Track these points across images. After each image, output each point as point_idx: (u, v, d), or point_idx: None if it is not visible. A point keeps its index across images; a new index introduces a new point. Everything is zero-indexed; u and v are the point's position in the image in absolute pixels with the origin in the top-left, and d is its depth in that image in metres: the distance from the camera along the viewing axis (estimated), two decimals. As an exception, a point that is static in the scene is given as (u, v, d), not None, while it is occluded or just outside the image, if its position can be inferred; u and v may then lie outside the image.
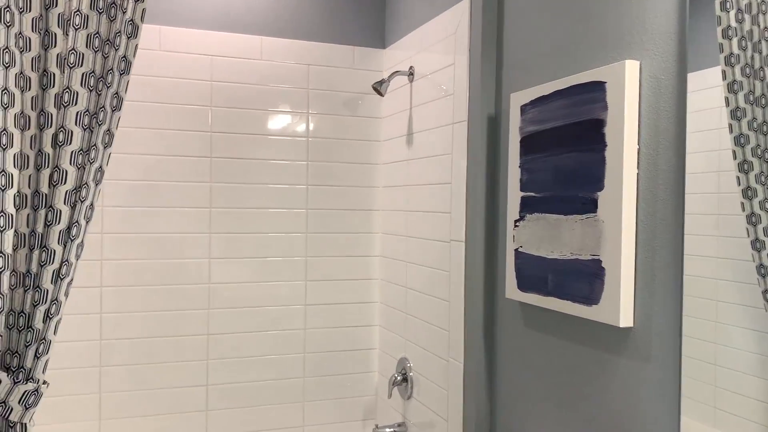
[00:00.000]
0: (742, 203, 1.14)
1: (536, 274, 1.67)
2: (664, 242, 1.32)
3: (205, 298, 2.46)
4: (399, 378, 2.42)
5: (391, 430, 2.43)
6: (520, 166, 1.75)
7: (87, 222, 1.71)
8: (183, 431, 2.44)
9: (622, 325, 1.38)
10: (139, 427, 2.38)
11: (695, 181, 1.24)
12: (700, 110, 1.23)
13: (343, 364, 2.67)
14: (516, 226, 1.77)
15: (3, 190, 1.61)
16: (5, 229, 1.62)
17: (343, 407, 2.67)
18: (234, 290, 2.51)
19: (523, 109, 1.74)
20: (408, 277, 2.43)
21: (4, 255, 1.62)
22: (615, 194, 1.40)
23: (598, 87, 1.46)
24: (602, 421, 1.49)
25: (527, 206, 1.72)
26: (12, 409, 1.62)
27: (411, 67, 2.41)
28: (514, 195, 1.78)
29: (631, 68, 1.38)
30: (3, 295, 1.63)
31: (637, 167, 1.39)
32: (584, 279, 1.49)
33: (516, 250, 1.77)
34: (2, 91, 1.60)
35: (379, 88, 2.40)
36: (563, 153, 1.58)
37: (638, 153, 1.39)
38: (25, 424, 1.64)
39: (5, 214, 1.62)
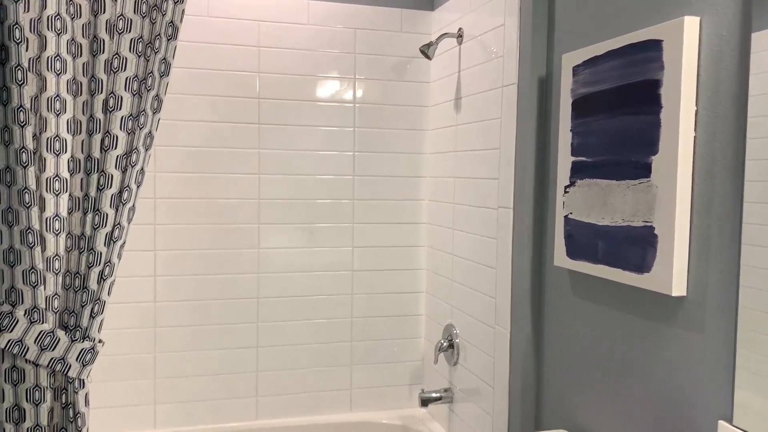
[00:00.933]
0: (808, 167, 1.07)
1: (586, 241, 1.63)
2: (721, 209, 1.26)
3: (254, 263, 2.50)
4: (445, 344, 2.42)
5: (437, 395, 2.44)
6: (571, 130, 1.70)
7: (138, 186, 1.74)
8: (234, 391, 2.51)
9: (674, 293, 1.34)
10: (191, 387, 2.46)
11: (758, 146, 1.17)
12: (764, 72, 1.16)
13: (390, 330, 2.69)
14: (566, 192, 1.72)
15: (57, 155, 1.66)
16: (60, 192, 1.67)
17: (390, 372, 2.70)
18: (282, 256, 2.54)
19: (575, 70, 1.67)
20: (455, 245, 2.41)
21: (60, 218, 1.67)
22: (670, 158, 1.34)
23: (654, 46, 1.39)
24: (652, 392, 1.45)
25: (578, 171, 1.67)
26: (70, 366, 1.69)
27: (460, 29, 2.35)
28: (564, 160, 1.72)
29: (691, 25, 1.31)
30: (60, 257, 1.68)
31: (695, 130, 1.32)
32: (636, 246, 1.44)
33: (565, 216, 1.72)
34: (55, 57, 1.63)
35: (426, 51, 2.35)
36: (616, 116, 1.52)
37: (696, 115, 1.32)
38: (83, 380, 1.71)
39: (60, 178, 1.67)
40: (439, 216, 2.55)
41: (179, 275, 2.42)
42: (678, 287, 1.34)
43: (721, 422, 1.23)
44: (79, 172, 1.71)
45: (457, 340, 2.38)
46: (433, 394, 2.44)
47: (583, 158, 1.64)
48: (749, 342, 1.19)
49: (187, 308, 2.44)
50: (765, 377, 1.16)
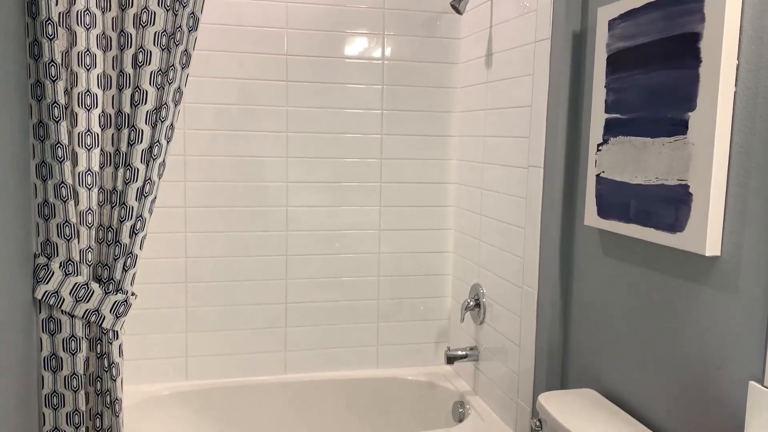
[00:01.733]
0: None
1: (618, 200, 1.60)
2: (760, 167, 1.22)
3: (283, 221, 2.52)
4: (472, 303, 2.42)
5: (463, 353, 2.45)
6: (605, 86, 1.65)
7: (168, 142, 1.75)
8: (263, 346, 2.56)
9: (708, 253, 1.31)
10: (222, 340, 2.51)
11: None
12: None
13: (417, 289, 2.70)
14: (599, 150, 1.68)
15: (89, 110, 1.67)
16: (92, 147, 1.69)
17: (416, 329, 2.72)
18: (310, 214, 2.55)
19: (611, 24, 1.62)
20: (483, 204, 2.39)
21: (92, 173, 1.70)
22: (708, 114, 1.30)
23: (695, -4, 1.33)
24: (681, 353, 1.44)
25: (611, 129, 1.63)
26: (104, 318, 1.73)
27: (492, -16, 2.29)
28: (597, 117, 1.68)
29: (735, -26, 1.25)
30: (92, 211, 1.71)
31: (735, 85, 1.28)
32: (669, 205, 1.41)
33: (597, 175, 1.69)
34: (84, 11, 1.63)
35: (457, 5, 2.30)
36: (653, 71, 1.47)
37: (737, 69, 1.27)
38: (116, 331, 1.75)
39: (92, 133, 1.68)
40: (468, 176, 2.53)
41: (209, 231, 2.45)
42: (712, 247, 1.31)
43: (752, 383, 1.22)
44: (110, 127, 1.72)
45: (484, 300, 2.38)
46: (459, 352, 2.46)
47: (618, 115, 1.61)
48: (784, 303, 1.16)
49: (218, 264, 2.47)
50: (799, 338, 1.14)
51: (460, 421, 2.38)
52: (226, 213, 2.46)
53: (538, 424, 1.73)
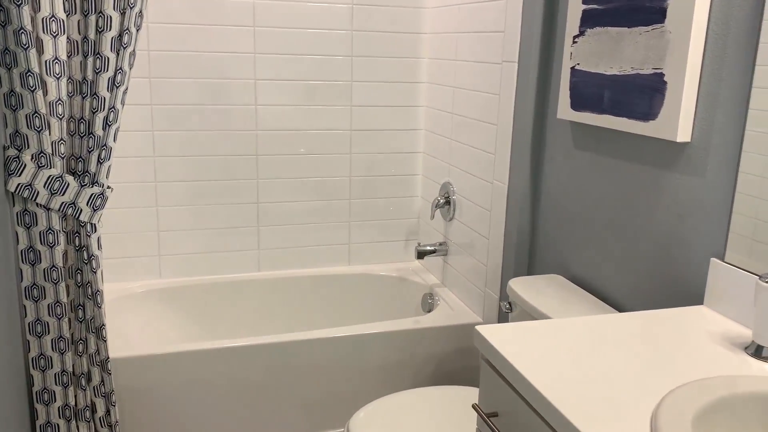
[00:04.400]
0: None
1: (592, 91, 1.64)
2: (735, 54, 1.26)
3: (252, 120, 2.49)
4: (442, 201, 2.48)
5: (432, 248, 2.53)
6: (583, -23, 1.65)
7: (137, 30, 1.69)
8: (236, 244, 2.59)
9: (679, 139, 1.37)
10: (194, 240, 2.52)
11: (779, -17, 1.15)
12: None
13: (387, 189, 2.73)
14: (574, 42, 1.70)
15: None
16: (58, 35, 1.62)
17: (387, 228, 2.78)
18: (279, 113, 2.52)
19: None
20: (455, 103, 2.40)
21: (60, 61, 1.64)
22: (686, 1, 1.32)
23: None
24: (649, 236, 1.53)
25: (589, 20, 1.64)
26: (81, 210, 1.72)
27: None
28: (575, 8, 1.69)
29: None
30: (63, 102, 1.66)
31: (715, -29, 1.29)
32: (644, 94, 1.45)
33: (572, 68, 1.71)
34: None
35: None
36: (633, -41, 1.47)
37: (718, -45, 1.29)
38: (94, 224, 1.75)
39: (57, 19, 1.61)
40: (440, 74, 2.52)
41: (178, 130, 2.41)
42: (683, 133, 1.37)
43: (713, 259, 1.31)
44: (75, 13, 1.65)
45: (454, 197, 2.44)
46: (429, 247, 2.54)
47: (595, 6, 1.61)
48: (748, 185, 1.23)
49: (187, 163, 2.45)
50: (759, 219, 1.22)
51: (430, 311, 2.48)
52: (194, 111, 2.41)
53: (508, 306, 1.82)
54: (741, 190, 1.25)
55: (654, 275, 1.51)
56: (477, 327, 1.18)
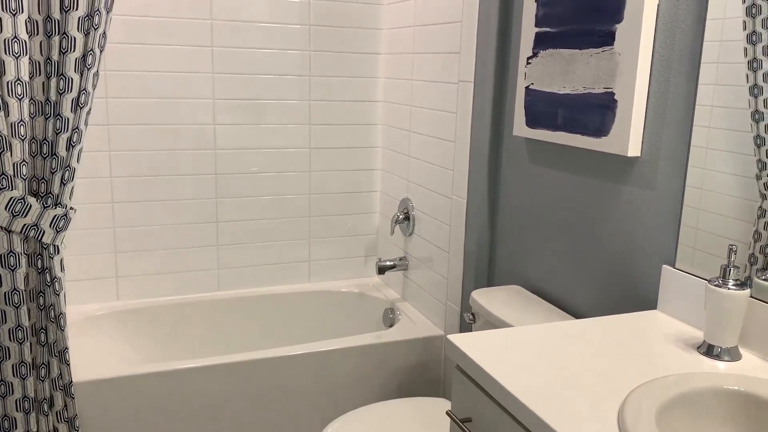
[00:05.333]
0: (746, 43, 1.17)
1: (546, 109, 1.72)
2: (679, 74, 1.36)
3: (211, 140, 2.49)
4: (401, 216, 2.54)
5: (393, 263, 2.58)
6: (535, 1, 1.74)
7: (101, 51, 1.70)
8: (195, 264, 2.57)
9: (630, 154, 1.46)
10: (152, 260, 2.50)
11: (719, 4, 1.25)
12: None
13: (346, 206, 2.77)
14: (528, 63, 1.79)
15: (14, 15, 1.59)
16: (20, 55, 1.61)
17: (347, 245, 2.81)
18: (238, 132, 2.53)
19: (543, -60, 1.69)
20: (412, 121, 2.47)
21: (22, 82, 1.63)
22: (634, 26, 1.42)
23: None
24: (603, 246, 1.61)
25: (541, 42, 1.73)
26: (44, 232, 1.70)
27: None
28: (528, 31, 1.78)
29: None
30: (25, 123, 1.65)
31: (659, -2, 1.40)
32: (595, 112, 1.54)
33: (527, 87, 1.80)
34: None
35: None
36: (583, -15, 1.57)
37: (661, -17, 1.39)
38: (57, 246, 1.73)
39: (19, 40, 1.60)
40: (397, 93, 2.59)
41: (135, 150, 2.40)
42: (633, 148, 1.46)
43: (665, 266, 1.40)
44: (38, 34, 1.64)
45: (413, 212, 2.50)
46: (389, 263, 2.58)
47: (547, 29, 1.70)
48: (694, 198, 1.33)
49: (145, 183, 2.44)
50: (702, 229, 1.31)
51: (391, 326, 2.52)
52: (150, 130, 2.41)
53: (471, 317, 1.88)
54: (688, 202, 1.35)
55: (609, 283, 1.59)
56: (449, 336, 1.23)
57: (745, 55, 1.20)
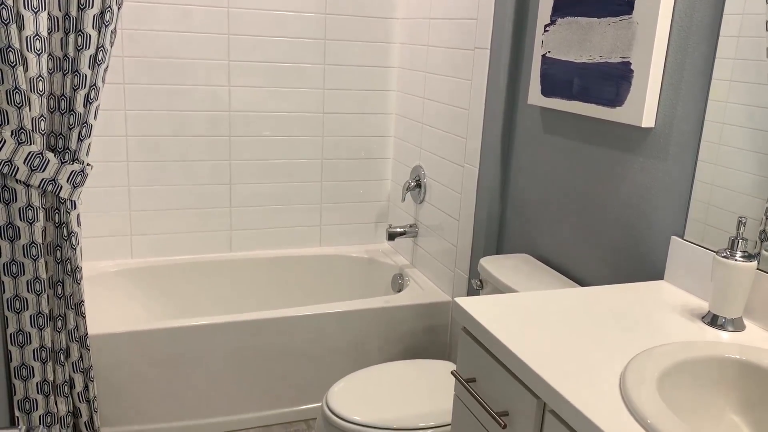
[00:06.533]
0: (784, 2, 1.16)
1: (562, 78, 1.72)
2: (698, 45, 1.35)
3: (226, 102, 2.50)
4: (413, 184, 2.55)
5: (403, 229, 2.60)
6: (555, -32, 1.72)
7: (119, 8, 1.70)
8: (208, 225, 2.61)
9: (644, 125, 1.46)
10: (166, 220, 2.53)
11: (739, -20, 1.24)
12: None
13: (358, 172, 2.79)
14: (546, 30, 1.78)
15: (34, -30, 1.59)
16: (39, 10, 1.62)
17: (358, 210, 2.83)
18: (251, 95, 2.54)
19: None
20: (426, 88, 2.46)
21: (41, 38, 1.64)
22: (654, -5, 1.40)
23: None
24: (613, 216, 1.62)
25: (560, 10, 1.72)
26: (61, 187, 1.73)
27: None
28: (546, -2, 1.76)
29: None
30: (43, 78, 1.67)
31: (680, -33, 1.38)
32: (611, 81, 1.54)
33: (543, 55, 1.79)
34: None
35: None
36: (604, -47, 1.55)
37: (683, -48, 1.37)
38: (74, 201, 1.76)
39: (39, -6, 1.61)
40: (412, 59, 2.58)
41: (150, 110, 2.41)
42: (648, 119, 1.46)
43: (674, 237, 1.41)
44: (57, -11, 1.65)
45: (425, 180, 2.51)
46: (399, 229, 2.60)
47: (566, -3, 1.69)
48: (708, 173, 1.33)
49: (160, 143, 2.46)
50: (713, 204, 1.31)
51: (400, 291, 2.56)
52: (169, 91, 2.42)
53: (479, 284, 1.90)
54: (699, 177, 1.35)
55: (618, 253, 1.60)
56: (456, 299, 1.25)
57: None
